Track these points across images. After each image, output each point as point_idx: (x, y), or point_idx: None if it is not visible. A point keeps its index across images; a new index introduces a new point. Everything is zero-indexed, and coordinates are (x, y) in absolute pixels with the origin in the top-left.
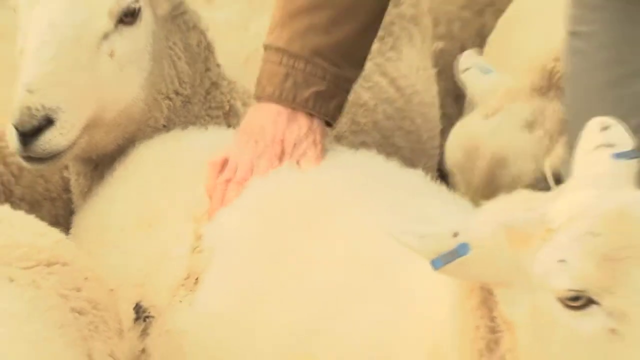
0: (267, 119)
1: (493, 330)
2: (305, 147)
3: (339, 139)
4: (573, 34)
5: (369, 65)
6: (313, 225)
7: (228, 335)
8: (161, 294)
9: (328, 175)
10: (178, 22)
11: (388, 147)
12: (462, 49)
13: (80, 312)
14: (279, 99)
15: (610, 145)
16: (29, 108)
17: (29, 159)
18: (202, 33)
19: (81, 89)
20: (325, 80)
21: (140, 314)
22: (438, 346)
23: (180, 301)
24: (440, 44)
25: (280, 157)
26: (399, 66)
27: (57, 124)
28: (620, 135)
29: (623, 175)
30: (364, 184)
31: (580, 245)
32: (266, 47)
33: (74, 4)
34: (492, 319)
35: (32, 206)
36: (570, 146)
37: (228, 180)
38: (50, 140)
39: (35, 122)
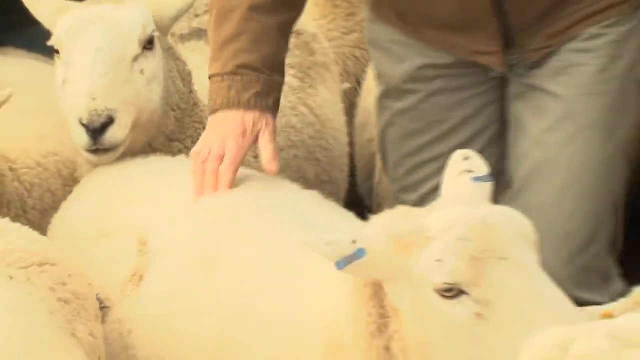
0: (227, 114)
1: (383, 316)
2: (261, 126)
3: (280, 150)
4: (385, 109)
5: (295, 98)
6: (237, 234)
7: (167, 323)
8: (114, 289)
9: (249, 195)
10: (169, 53)
11: (312, 160)
12: (358, 82)
13: (66, 302)
14: (228, 105)
15: (470, 172)
16: (96, 110)
17: (95, 151)
18: (184, 63)
19: (126, 97)
20: (260, 83)
21: (99, 304)
22: (337, 329)
23: (128, 295)
24: (344, 85)
25: (244, 134)
26: (316, 100)
27: (116, 121)
28: (478, 163)
29: (481, 194)
30: (277, 203)
31: (453, 248)
32: (210, 76)
33: (112, 35)
34: (382, 307)
35: (42, 214)
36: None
37: (204, 161)
38: (112, 134)
39: (102, 120)
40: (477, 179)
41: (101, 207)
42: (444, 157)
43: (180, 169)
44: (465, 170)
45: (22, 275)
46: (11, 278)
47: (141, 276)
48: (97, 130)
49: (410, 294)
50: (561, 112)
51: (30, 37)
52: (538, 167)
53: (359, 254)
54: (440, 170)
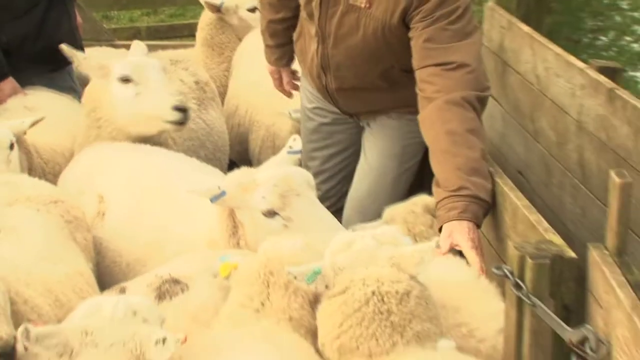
0: (270, 68)
1: (235, 226)
2: (282, 71)
3: (184, 140)
4: (302, 125)
5: (195, 115)
6: (156, 185)
7: (119, 236)
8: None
9: (161, 166)
10: None
11: (203, 147)
12: (225, 90)
13: (69, 222)
14: (268, 62)
15: (290, 147)
16: (181, 99)
17: (182, 123)
18: None
19: None
20: (276, 54)
21: None
22: (213, 233)
23: (97, 224)
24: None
25: (278, 74)
26: (207, 116)
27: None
28: (297, 143)
29: (290, 161)
30: (177, 169)
31: (270, 190)
32: None
33: (158, 65)
34: (234, 221)
35: (54, 177)
36: None
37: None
38: (190, 112)
39: (188, 104)
40: (290, 152)
41: (80, 175)
42: (325, 156)
43: (135, 154)
44: (289, 146)
45: (44, 208)
46: (38, 210)
47: (103, 214)
48: (186, 110)
49: (249, 215)
50: (374, 146)
51: (50, 80)
52: (362, 173)
53: (222, 194)
54: (322, 161)
